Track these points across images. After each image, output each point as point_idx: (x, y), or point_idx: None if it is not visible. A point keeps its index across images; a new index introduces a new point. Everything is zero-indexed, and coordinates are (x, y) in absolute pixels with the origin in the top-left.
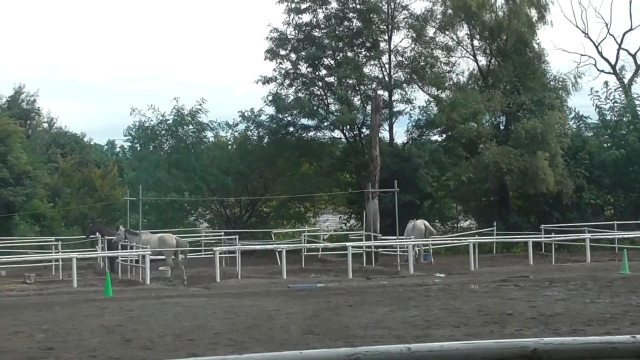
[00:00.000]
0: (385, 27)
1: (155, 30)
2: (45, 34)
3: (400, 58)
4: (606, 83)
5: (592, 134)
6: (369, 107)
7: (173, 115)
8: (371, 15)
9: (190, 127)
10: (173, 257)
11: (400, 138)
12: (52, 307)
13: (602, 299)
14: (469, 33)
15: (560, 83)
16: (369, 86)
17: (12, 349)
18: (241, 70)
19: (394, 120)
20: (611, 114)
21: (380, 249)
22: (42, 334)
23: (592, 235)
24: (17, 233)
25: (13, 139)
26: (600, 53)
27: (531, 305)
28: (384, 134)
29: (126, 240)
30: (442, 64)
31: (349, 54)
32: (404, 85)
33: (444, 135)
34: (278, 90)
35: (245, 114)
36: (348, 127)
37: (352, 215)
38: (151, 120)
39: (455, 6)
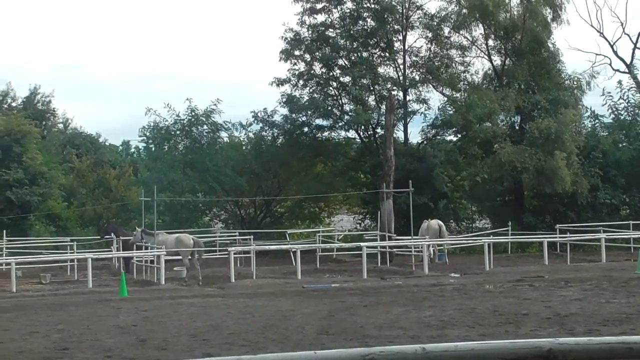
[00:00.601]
0: (399, 27)
1: (171, 31)
2: (60, 34)
3: (414, 58)
4: (620, 82)
5: (606, 133)
6: (383, 107)
7: (187, 115)
8: (386, 15)
9: (205, 127)
10: (189, 257)
11: (415, 138)
12: (67, 307)
13: (618, 299)
14: (483, 33)
15: (575, 82)
16: (384, 86)
17: (28, 349)
18: (256, 71)
19: (408, 120)
20: (626, 113)
21: (394, 249)
22: (57, 334)
23: (607, 235)
24: (32, 233)
25: (28, 139)
26: (615, 52)
27: (546, 306)
28: (399, 134)
29: (143, 240)
30: (457, 64)
31: (363, 54)
32: (419, 85)
33: (459, 135)
34: (292, 91)
35: (258, 115)
36: (362, 127)
37: (367, 216)
38: (166, 120)
39: (471, 5)
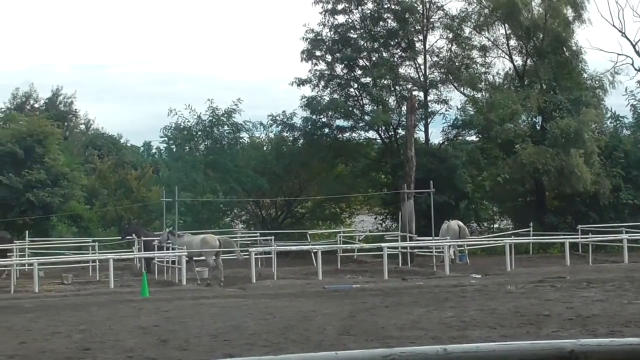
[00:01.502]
0: (420, 27)
1: (192, 32)
2: (82, 35)
3: (435, 58)
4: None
5: (628, 132)
6: (404, 108)
7: (209, 115)
8: (406, 16)
9: (226, 127)
10: (214, 257)
11: (436, 138)
12: (89, 307)
13: None
14: (505, 33)
15: (596, 82)
16: (404, 86)
17: (50, 349)
18: (277, 71)
19: (429, 120)
20: None
21: (415, 250)
22: (79, 334)
23: (629, 236)
24: (54, 234)
25: (50, 140)
26: (637, 52)
27: (568, 306)
28: (420, 135)
29: (168, 241)
30: (478, 64)
31: (384, 54)
32: (439, 85)
33: (480, 136)
34: (313, 92)
35: (277, 118)
36: (383, 127)
37: (388, 216)
38: (188, 121)
39: (496, 4)
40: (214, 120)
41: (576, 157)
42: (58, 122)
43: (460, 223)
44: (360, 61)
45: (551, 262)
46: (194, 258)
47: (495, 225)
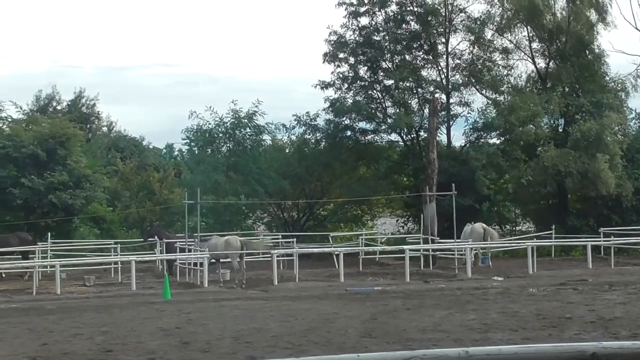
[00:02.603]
0: (442, 29)
1: (214, 34)
2: (105, 37)
3: (457, 61)
4: None
5: None
6: (426, 110)
7: (230, 117)
8: (429, 18)
9: (248, 129)
10: (238, 259)
11: (458, 141)
12: (111, 309)
13: None
14: (527, 35)
15: (619, 85)
16: (427, 89)
17: (72, 351)
18: (299, 73)
19: (451, 123)
20: None
21: (437, 252)
22: (101, 336)
23: None
24: (76, 236)
25: (73, 142)
26: None
27: (590, 309)
28: (442, 137)
29: (201, 246)
30: (500, 67)
31: (407, 57)
32: (462, 88)
33: (502, 138)
34: (336, 94)
35: (301, 118)
36: (405, 130)
37: (410, 219)
38: (209, 123)
39: (519, 6)
40: (235, 122)
41: (601, 162)
42: (81, 124)
43: (485, 225)
44: (383, 63)
45: (573, 264)
46: (221, 260)
47: (518, 228)
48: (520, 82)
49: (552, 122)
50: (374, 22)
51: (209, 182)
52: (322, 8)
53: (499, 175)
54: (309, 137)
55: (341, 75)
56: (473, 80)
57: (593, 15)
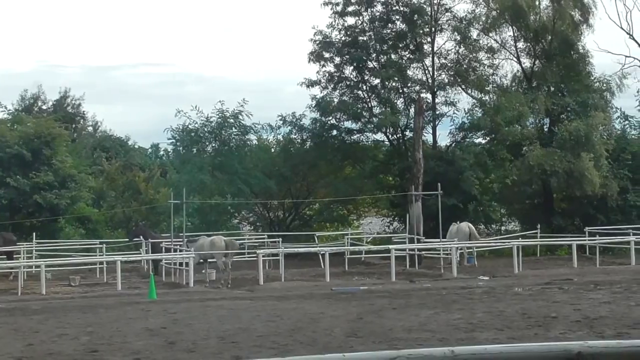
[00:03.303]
0: (428, 29)
1: (200, 33)
2: (90, 37)
3: (443, 60)
4: None
5: (636, 133)
6: (412, 110)
7: (216, 117)
8: (415, 18)
9: (234, 129)
10: (223, 258)
11: (444, 141)
12: (96, 309)
13: None
14: (513, 35)
15: (604, 85)
16: (413, 88)
17: (58, 351)
18: (285, 73)
19: (437, 122)
20: None
21: (423, 252)
22: (86, 336)
23: (637, 238)
24: (62, 236)
25: (58, 142)
26: None
27: (575, 308)
28: (427, 137)
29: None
30: (486, 66)
31: (392, 56)
32: (447, 87)
33: (488, 138)
34: (322, 94)
35: (286, 118)
36: (391, 129)
37: (395, 218)
38: (195, 123)
39: (503, 6)
40: (221, 121)
41: (586, 161)
42: (66, 124)
43: (470, 225)
44: (369, 63)
45: (559, 264)
46: (209, 260)
47: (503, 227)
48: (505, 81)
49: (537, 121)
50: (360, 22)
51: (194, 182)
52: (309, 8)
53: (485, 175)
54: (295, 136)
55: (327, 75)
56: (459, 80)
57: (577, 15)
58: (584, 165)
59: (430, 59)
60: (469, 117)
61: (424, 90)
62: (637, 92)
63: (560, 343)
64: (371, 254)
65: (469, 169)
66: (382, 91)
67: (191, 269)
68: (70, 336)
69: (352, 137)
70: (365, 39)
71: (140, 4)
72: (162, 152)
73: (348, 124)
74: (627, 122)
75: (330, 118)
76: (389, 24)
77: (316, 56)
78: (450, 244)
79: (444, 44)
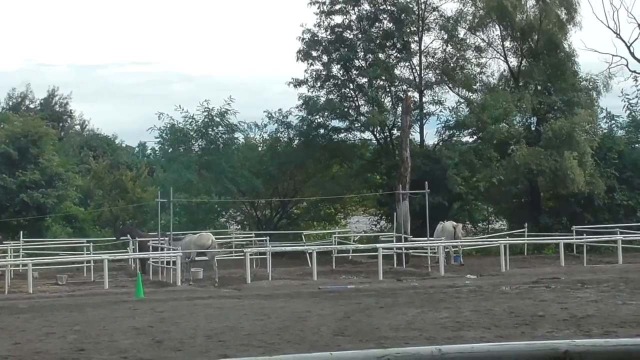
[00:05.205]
0: (416, 28)
1: (188, 32)
2: (78, 35)
3: (430, 59)
4: (636, 80)
5: (623, 132)
6: (399, 109)
7: (203, 116)
8: (402, 16)
9: (220, 128)
10: (206, 257)
11: (431, 139)
12: (83, 308)
13: (635, 301)
14: (500, 34)
15: (591, 84)
16: (400, 87)
17: (45, 350)
18: (272, 72)
19: (424, 121)
20: None
21: (410, 251)
22: (73, 335)
23: (624, 237)
24: (48, 235)
25: (45, 141)
26: (632, 54)
27: (563, 307)
28: (415, 136)
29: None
30: (473, 65)
31: (380, 55)
32: (435, 86)
33: (475, 137)
34: (309, 92)
35: (273, 116)
36: (379, 128)
37: (383, 217)
38: (179, 122)
39: (489, 6)
40: (207, 120)
41: (569, 159)
42: (53, 122)
43: (455, 223)
44: (356, 62)
45: (546, 262)
46: (196, 258)
47: (491, 226)
48: (493, 80)
49: (524, 120)
50: (347, 21)
51: (181, 181)
52: (297, 6)
53: (472, 174)
54: (282, 135)
55: (314, 74)
56: (446, 79)
57: (563, 14)
58: (568, 163)
59: (418, 57)
60: (456, 116)
61: (412, 89)
62: (622, 92)
63: (547, 342)
64: (358, 252)
65: (454, 167)
66: (370, 90)
67: (178, 267)
68: (57, 335)
69: (339, 136)
70: (352, 37)
71: (127, 2)
72: (149, 151)
73: (335, 123)
74: (613, 121)
75: (318, 117)
76: (376, 23)
77: (304, 55)
78: (437, 243)
79: (431, 42)
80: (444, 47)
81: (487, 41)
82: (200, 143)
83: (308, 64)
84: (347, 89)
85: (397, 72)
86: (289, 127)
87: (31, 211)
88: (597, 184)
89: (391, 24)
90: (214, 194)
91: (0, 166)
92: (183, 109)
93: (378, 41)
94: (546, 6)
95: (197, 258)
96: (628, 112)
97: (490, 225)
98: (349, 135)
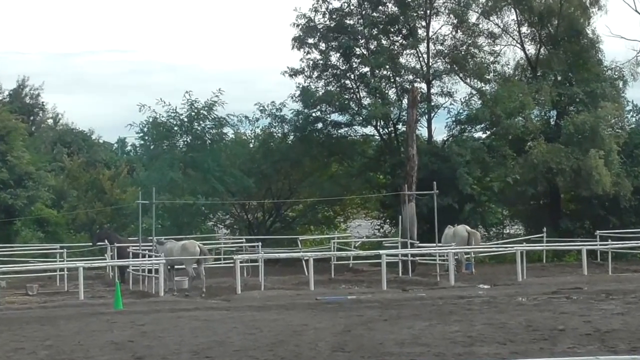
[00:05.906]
0: (423, 12)
1: (170, 19)
2: (51, 22)
3: (439, 47)
4: None
5: None
6: (405, 101)
7: (187, 109)
8: (408, 0)
9: (207, 122)
10: (195, 266)
11: (440, 135)
12: (56, 321)
13: None
14: (516, 19)
15: (616, 73)
16: (405, 78)
17: None
18: (266, 62)
19: (432, 115)
20: None
21: (417, 258)
22: (45, 350)
23: None
24: (18, 240)
25: (14, 136)
26: None
27: (585, 320)
28: (422, 131)
29: (156, 251)
30: (486, 53)
31: (383, 42)
32: (444, 76)
33: (488, 132)
34: (306, 83)
35: (266, 108)
36: (382, 122)
37: (387, 220)
38: (162, 116)
39: None
40: (193, 114)
41: (595, 158)
42: (23, 116)
43: (469, 228)
44: (358, 50)
45: (567, 271)
46: (175, 266)
47: (506, 231)
48: (508, 69)
49: (542, 114)
50: (346, 4)
51: (164, 180)
52: None
53: (484, 173)
54: (276, 130)
55: (311, 63)
56: (456, 68)
57: None
58: (593, 162)
59: (425, 45)
60: (467, 109)
61: (418, 80)
62: None
63: (568, 358)
64: (360, 259)
65: (465, 165)
66: (372, 80)
67: (161, 276)
68: (27, 350)
69: (339, 131)
70: (352, 23)
71: None
72: (129, 148)
73: (334, 117)
74: None
75: (315, 110)
76: (379, 7)
77: (299, 42)
78: (447, 249)
79: (440, 28)
80: (454, 33)
81: (501, 27)
82: (185, 139)
83: (304, 52)
84: (348, 80)
85: (402, 60)
86: (283, 121)
87: None
88: (624, 185)
89: (396, 8)
90: (201, 194)
91: None
92: (166, 102)
93: (381, 26)
94: None
95: (178, 266)
96: None
97: (505, 230)
98: (350, 130)
